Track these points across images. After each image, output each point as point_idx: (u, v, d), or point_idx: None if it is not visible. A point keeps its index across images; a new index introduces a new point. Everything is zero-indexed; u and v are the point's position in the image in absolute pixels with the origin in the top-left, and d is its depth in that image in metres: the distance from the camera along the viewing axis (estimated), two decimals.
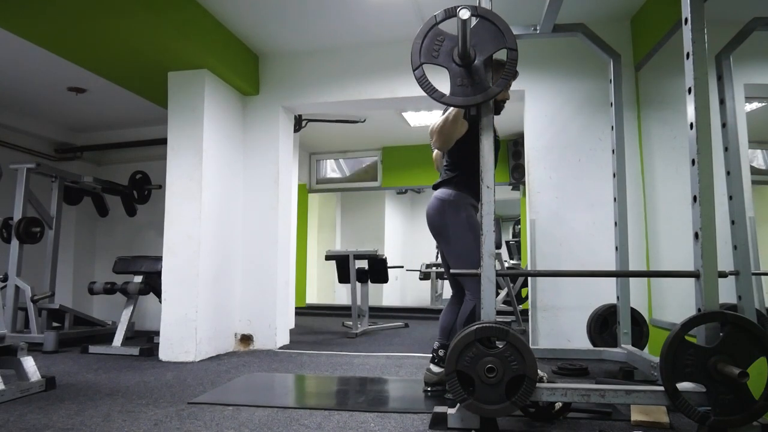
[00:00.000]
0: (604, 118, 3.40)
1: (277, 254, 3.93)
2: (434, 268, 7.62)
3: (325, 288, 8.48)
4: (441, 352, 2.48)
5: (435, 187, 2.51)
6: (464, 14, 1.75)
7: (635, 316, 2.90)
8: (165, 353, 3.41)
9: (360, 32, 3.78)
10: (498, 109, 2.54)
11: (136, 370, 3.06)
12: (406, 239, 9.72)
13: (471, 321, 2.28)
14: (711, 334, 1.67)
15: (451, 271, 2.14)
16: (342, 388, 2.68)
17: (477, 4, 1.96)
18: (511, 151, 6.54)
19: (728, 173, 2.46)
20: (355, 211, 9.07)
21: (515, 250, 8.30)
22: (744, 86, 2.56)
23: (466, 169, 2.42)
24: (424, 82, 1.92)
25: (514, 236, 8.66)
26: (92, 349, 3.73)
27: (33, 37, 3.13)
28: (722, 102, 2.51)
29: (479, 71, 1.92)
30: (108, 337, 3.93)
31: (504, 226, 9.78)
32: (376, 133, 6.39)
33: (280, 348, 3.90)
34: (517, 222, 8.64)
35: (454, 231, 2.36)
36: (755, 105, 2.73)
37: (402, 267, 7.13)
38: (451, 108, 2.18)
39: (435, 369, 2.46)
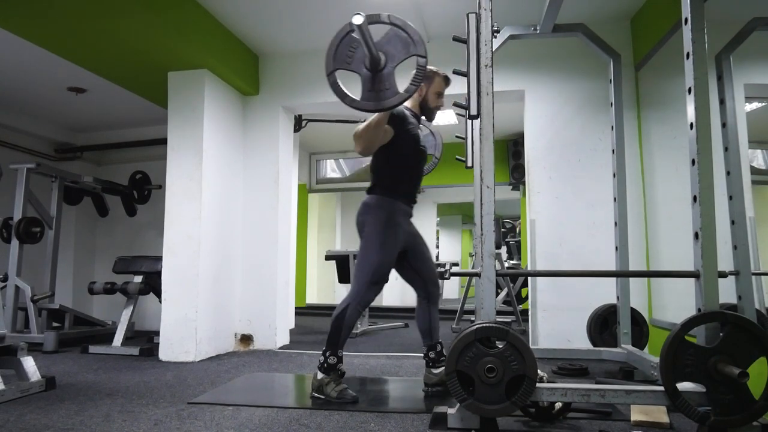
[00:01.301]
0: (604, 118, 3.40)
1: (277, 254, 3.93)
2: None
3: (325, 288, 8.46)
4: (432, 354, 2.48)
5: (367, 192, 2.47)
6: (357, 20, 1.79)
7: (635, 316, 2.90)
8: (165, 353, 3.41)
9: None
10: (430, 115, 2.55)
11: (136, 370, 3.06)
12: None
13: (339, 320, 2.29)
14: (711, 334, 1.67)
15: (451, 270, 2.14)
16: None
17: (387, 13, 1.99)
18: (511, 151, 6.54)
19: (728, 173, 2.46)
20: (355, 211, 9.04)
21: (515, 250, 8.30)
22: (744, 86, 2.56)
23: (392, 174, 2.40)
24: (335, 88, 1.97)
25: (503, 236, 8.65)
26: (92, 349, 3.73)
27: (33, 37, 3.13)
28: (722, 102, 2.51)
29: (389, 78, 1.95)
30: (108, 337, 3.93)
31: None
32: None
33: (280, 348, 3.89)
34: (501, 224, 8.61)
35: (368, 234, 2.35)
36: (755, 105, 2.73)
37: None
38: (375, 113, 2.13)
39: (434, 370, 2.46)
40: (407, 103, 2.52)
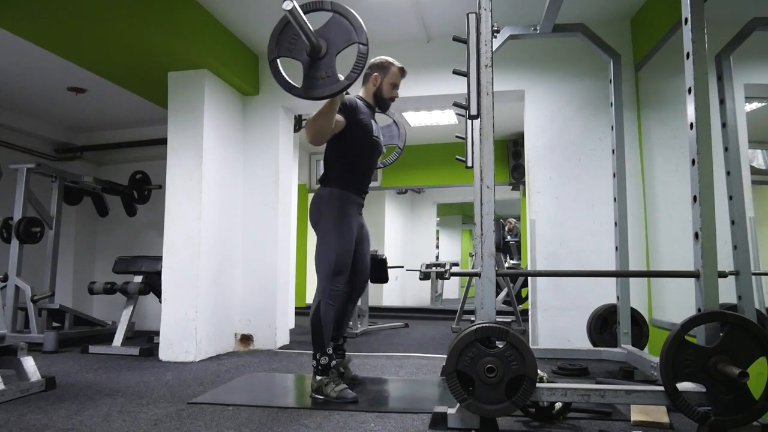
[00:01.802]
0: (604, 118, 3.40)
1: (277, 254, 3.93)
2: (434, 268, 7.63)
3: None
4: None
5: (319, 184, 2.48)
6: (287, 5, 1.79)
7: (635, 316, 2.90)
8: (165, 353, 3.41)
9: None
10: (383, 105, 2.57)
11: (136, 370, 3.06)
12: (406, 239, 9.71)
13: (315, 319, 2.27)
14: (711, 334, 1.67)
15: (451, 270, 2.14)
16: None
17: (328, 0, 2.02)
18: (511, 151, 6.53)
19: (728, 173, 2.46)
20: None
21: (515, 250, 8.30)
22: (744, 86, 2.56)
23: (343, 165, 2.41)
24: (276, 75, 2.00)
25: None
26: (92, 349, 3.73)
27: (33, 37, 3.13)
28: (722, 102, 2.51)
29: (329, 66, 1.97)
30: (108, 337, 3.93)
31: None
32: None
33: (280, 348, 3.89)
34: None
35: (323, 226, 2.36)
36: (755, 105, 2.73)
37: (402, 267, 7.11)
38: (325, 101, 2.13)
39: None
40: (362, 93, 2.55)
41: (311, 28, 1.94)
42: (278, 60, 2.03)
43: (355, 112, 2.37)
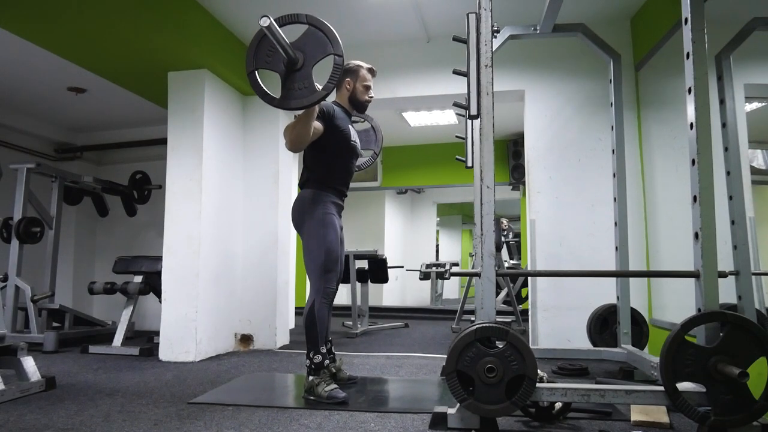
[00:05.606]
0: (604, 118, 3.40)
1: (277, 254, 3.93)
2: (434, 268, 7.63)
3: None
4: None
5: (300, 187, 2.51)
6: (264, 22, 1.82)
7: (635, 316, 2.90)
8: (165, 353, 3.41)
9: (360, 32, 3.78)
10: (361, 108, 2.59)
11: (136, 370, 3.06)
12: (406, 239, 9.72)
13: (310, 318, 2.30)
14: (711, 334, 1.67)
15: (451, 270, 2.14)
16: (342, 388, 2.67)
17: (304, 13, 2.04)
18: (511, 151, 6.54)
19: (728, 173, 2.46)
20: (355, 211, 9.06)
21: (515, 250, 8.30)
22: (744, 86, 2.56)
23: (323, 169, 2.44)
24: (255, 86, 2.02)
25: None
26: (92, 349, 3.73)
27: (33, 37, 3.12)
28: (722, 102, 2.51)
29: (306, 78, 2.01)
30: (108, 337, 3.93)
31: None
32: None
33: (280, 348, 3.89)
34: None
35: (308, 227, 2.38)
36: (755, 105, 2.73)
37: (402, 267, 7.12)
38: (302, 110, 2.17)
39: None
40: (338, 100, 2.59)
41: (288, 41, 1.97)
42: (256, 72, 2.06)
43: (333, 119, 2.40)
